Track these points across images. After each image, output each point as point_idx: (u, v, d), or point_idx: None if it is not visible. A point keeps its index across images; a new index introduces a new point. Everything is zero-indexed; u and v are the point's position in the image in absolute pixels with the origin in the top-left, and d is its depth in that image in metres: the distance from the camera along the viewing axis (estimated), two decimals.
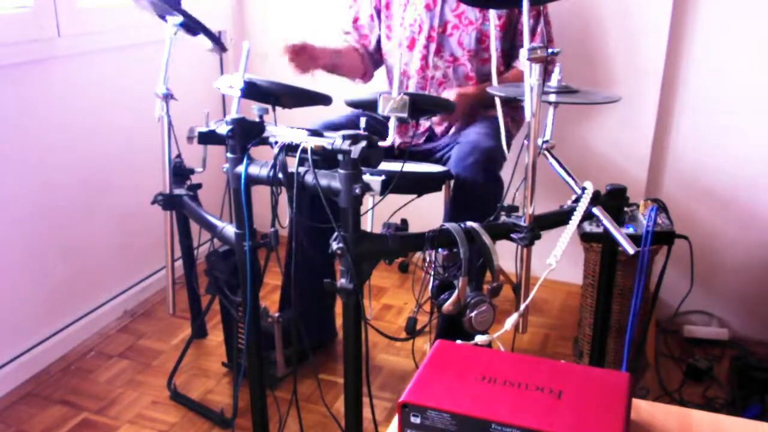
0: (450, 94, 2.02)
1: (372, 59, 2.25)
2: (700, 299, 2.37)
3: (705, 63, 2.26)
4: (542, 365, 0.85)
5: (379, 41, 2.22)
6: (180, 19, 1.81)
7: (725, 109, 2.26)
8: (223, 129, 1.43)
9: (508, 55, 2.13)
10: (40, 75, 2.02)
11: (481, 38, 2.08)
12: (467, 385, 0.81)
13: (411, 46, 2.12)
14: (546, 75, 1.40)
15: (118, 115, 2.29)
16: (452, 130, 2.12)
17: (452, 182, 1.88)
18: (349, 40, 2.25)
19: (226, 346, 2.13)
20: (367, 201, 1.59)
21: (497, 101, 1.78)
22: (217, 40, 1.84)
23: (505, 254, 1.49)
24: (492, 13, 2.06)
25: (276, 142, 1.40)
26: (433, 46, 2.09)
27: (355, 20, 2.24)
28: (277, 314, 1.75)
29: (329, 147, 1.31)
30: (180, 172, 1.94)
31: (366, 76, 2.26)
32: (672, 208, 1.95)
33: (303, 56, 1.94)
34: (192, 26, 1.82)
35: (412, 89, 2.15)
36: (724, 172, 2.31)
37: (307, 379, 2.04)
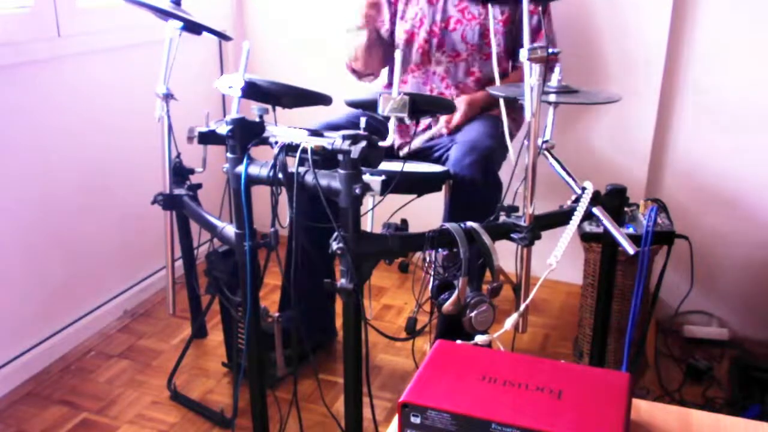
0: (460, 100, 2.02)
1: (384, 47, 2.19)
2: (700, 299, 2.37)
3: (705, 63, 2.26)
4: (542, 365, 0.85)
5: (389, 31, 2.18)
6: (180, 23, 1.81)
7: (725, 109, 2.26)
8: (223, 129, 1.43)
9: (512, 51, 2.12)
10: (40, 75, 2.02)
11: (485, 33, 2.07)
12: (467, 385, 0.81)
13: (411, 40, 2.12)
14: (546, 74, 1.40)
15: (118, 115, 2.29)
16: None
17: (451, 182, 1.88)
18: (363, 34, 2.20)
19: (226, 346, 2.13)
20: (367, 201, 1.59)
21: (501, 102, 1.78)
22: (220, 35, 1.84)
23: (505, 254, 1.49)
24: (492, 10, 2.05)
25: (276, 142, 1.40)
26: (434, 41, 2.09)
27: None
28: (277, 314, 1.75)
29: (329, 147, 1.31)
30: (180, 172, 1.94)
31: (377, 72, 2.20)
32: (672, 208, 1.95)
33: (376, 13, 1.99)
34: (193, 27, 1.83)
35: (412, 84, 2.15)
36: (724, 172, 2.31)
37: (307, 379, 2.04)
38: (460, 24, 2.08)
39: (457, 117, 2.03)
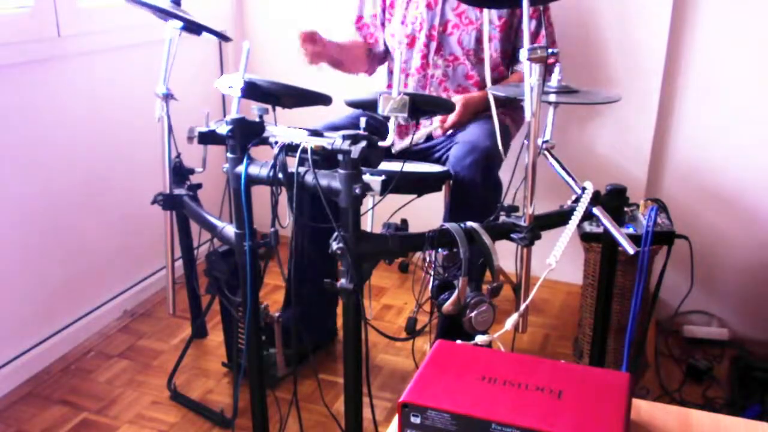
0: (457, 100, 2.02)
1: (377, 56, 2.26)
2: (700, 299, 2.37)
3: (705, 63, 2.26)
4: (542, 365, 0.85)
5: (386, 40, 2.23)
6: (180, 23, 1.81)
7: (725, 108, 2.26)
8: (223, 129, 1.43)
9: (510, 56, 2.13)
10: (40, 75, 2.02)
11: (481, 38, 2.08)
12: (467, 385, 0.81)
13: (411, 44, 2.13)
14: (546, 74, 1.40)
15: (118, 115, 2.29)
16: (450, 131, 2.12)
17: (451, 182, 1.88)
18: (356, 36, 2.26)
19: (226, 346, 2.13)
20: (367, 201, 1.59)
21: (491, 103, 1.78)
22: (220, 35, 1.84)
23: (505, 254, 1.49)
24: (489, 15, 2.06)
25: (276, 142, 1.40)
26: (433, 45, 2.10)
27: (358, 20, 2.25)
28: (277, 314, 1.75)
29: (329, 147, 1.31)
30: (180, 172, 1.94)
31: (369, 71, 2.28)
32: (672, 208, 1.95)
33: (315, 45, 1.94)
34: (193, 27, 1.82)
35: (411, 87, 2.15)
36: (724, 171, 2.31)
37: (307, 379, 2.04)
38: (457, 28, 2.08)
39: (451, 117, 2.02)
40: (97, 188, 2.26)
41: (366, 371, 1.42)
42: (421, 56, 2.12)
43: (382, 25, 2.22)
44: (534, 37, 2.04)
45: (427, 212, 1.94)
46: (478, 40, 2.08)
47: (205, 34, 1.88)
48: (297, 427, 1.71)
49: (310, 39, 1.93)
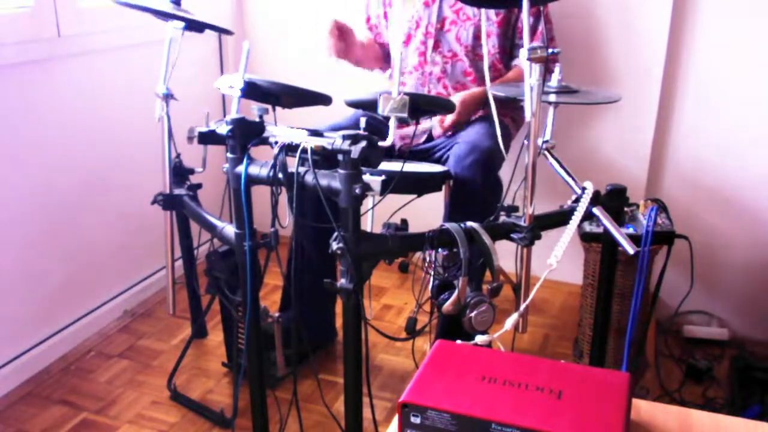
0: (454, 98, 2.02)
1: (390, 55, 2.29)
2: (700, 299, 2.37)
3: (705, 63, 2.26)
4: (542, 365, 0.85)
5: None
6: (182, 23, 1.81)
7: (725, 108, 2.26)
8: (223, 129, 1.43)
9: (508, 53, 2.13)
10: (40, 75, 2.02)
11: (479, 34, 2.08)
12: (467, 385, 0.81)
13: (407, 41, 2.13)
14: (546, 74, 1.40)
15: (118, 115, 2.29)
16: (449, 132, 2.12)
17: (451, 182, 1.88)
18: (369, 36, 2.29)
19: (226, 346, 2.13)
20: (367, 201, 1.58)
21: (491, 102, 1.78)
22: (222, 30, 1.85)
23: (505, 254, 1.49)
24: (486, 11, 2.06)
25: (276, 142, 1.40)
26: (431, 42, 2.10)
27: (367, 20, 2.27)
28: (277, 314, 1.75)
29: (329, 147, 1.31)
30: (180, 172, 1.95)
31: (384, 68, 2.31)
32: (672, 208, 1.95)
33: (341, 41, 1.93)
34: (195, 25, 1.83)
35: (410, 84, 2.15)
36: (724, 171, 2.31)
37: (307, 379, 2.04)
38: (455, 25, 2.08)
39: (449, 118, 2.02)
40: (97, 188, 2.26)
41: (366, 371, 1.42)
42: (419, 53, 2.12)
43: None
44: (532, 33, 2.04)
45: (427, 212, 1.94)
46: (476, 36, 2.08)
47: (207, 30, 1.88)
48: (297, 427, 1.71)
49: (341, 32, 1.92)
